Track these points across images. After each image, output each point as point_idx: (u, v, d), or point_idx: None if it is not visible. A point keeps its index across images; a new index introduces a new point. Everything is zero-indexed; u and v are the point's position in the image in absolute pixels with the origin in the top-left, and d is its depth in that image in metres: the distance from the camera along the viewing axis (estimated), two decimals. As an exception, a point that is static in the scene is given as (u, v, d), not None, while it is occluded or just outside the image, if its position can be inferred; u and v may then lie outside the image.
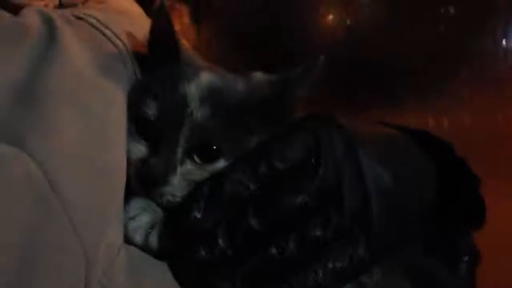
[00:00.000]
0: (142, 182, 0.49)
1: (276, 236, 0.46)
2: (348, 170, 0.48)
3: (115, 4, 0.62)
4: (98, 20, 0.52)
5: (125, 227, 0.47)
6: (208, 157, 0.50)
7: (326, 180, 0.47)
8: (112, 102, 0.47)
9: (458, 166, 0.55)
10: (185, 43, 0.57)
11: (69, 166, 0.40)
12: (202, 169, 0.50)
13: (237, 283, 0.46)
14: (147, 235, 0.48)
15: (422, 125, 0.71)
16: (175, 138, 0.50)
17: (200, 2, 0.89)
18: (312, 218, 0.46)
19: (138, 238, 0.48)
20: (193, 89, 0.51)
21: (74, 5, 0.56)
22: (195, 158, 0.51)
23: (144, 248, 0.48)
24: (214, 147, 0.50)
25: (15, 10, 0.49)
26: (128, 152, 0.49)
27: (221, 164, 0.50)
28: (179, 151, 0.50)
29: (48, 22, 0.47)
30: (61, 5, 0.55)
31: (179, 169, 0.50)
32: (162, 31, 0.54)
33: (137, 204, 0.49)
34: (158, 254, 0.48)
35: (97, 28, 0.52)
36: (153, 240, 0.48)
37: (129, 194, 0.48)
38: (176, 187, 0.50)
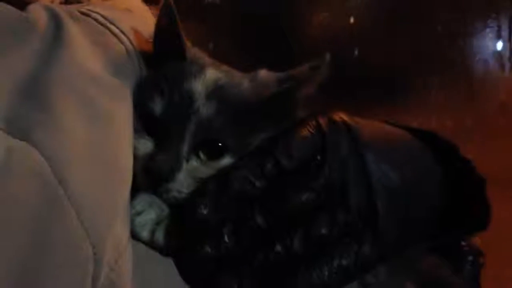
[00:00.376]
0: (148, 178, 0.49)
1: (282, 233, 0.46)
2: (354, 168, 0.48)
3: (120, 1, 0.62)
4: (104, 17, 0.52)
5: (131, 223, 0.47)
6: (214, 154, 0.50)
7: (332, 178, 0.47)
8: (119, 98, 0.47)
9: (463, 166, 0.55)
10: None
11: (77, 160, 0.39)
12: (208, 166, 0.50)
13: (243, 280, 0.46)
14: (153, 231, 0.48)
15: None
16: (181, 135, 0.50)
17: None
18: (317, 216, 0.47)
19: (144, 234, 0.48)
20: (199, 86, 0.51)
21: (79, 2, 0.56)
22: (201, 154, 0.51)
23: (150, 244, 0.48)
24: (220, 144, 0.50)
25: (21, 5, 0.49)
26: (134, 148, 0.49)
27: (227, 161, 0.50)
28: (185, 147, 0.50)
29: (55, 18, 0.47)
30: (66, 2, 0.55)
31: (185, 166, 0.50)
32: (167, 29, 0.54)
33: (143, 200, 0.49)
34: (164, 250, 0.48)
35: (103, 25, 0.51)
36: (159, 236, 0.48)
37: (135, 190, 0.47)
38: (182, 183, 0.49)
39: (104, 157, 0.43)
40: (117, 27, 0.52)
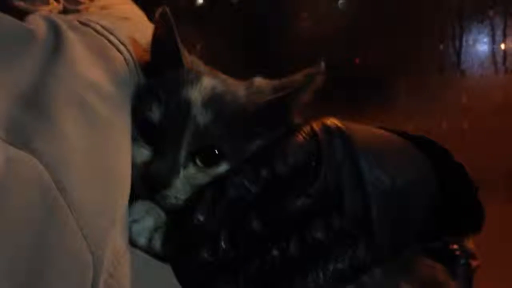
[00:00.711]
0: (145, 185, 0.50)
1: (278, 239, 0.47)
2: (348, 174, 0.49)
3: (118, 10, 0.62)
4: (102, 26, 0.53)
5: (129, 230, 0.48)
6: (211, 161, 0.51)
7: (327, 183, 0.48)
8: (117, 106, 0.48)
9: (455, 171, 0.56)
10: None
11: (76, 168, 0.40)
12: (205, 172, 0.51)
13: (239, 285, 0.47)
14: (150, 238, 0.49)
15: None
16: (178, 142, 0.51)
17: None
18: (313, 221, 0.47)
19: (142, 240, 0.48)
20: (196, 94, 0.52)
21: (77, 11, 0.57)
22: (198, 161, 0.51)
23: (148, 250, 0.49)
24: (217, 151, 0.51)
25: (20, 15, 0.49)
26: (132, 156, 0.50)
27: (223, 167, 0.51)
28: (182, 154, 0.51)
29: (54, 28, 0.47)
30: (64, 12, 0.56)
31: (182, 172, 0.51)
32: (164, 37, 0.54)
33: (140, 207, 0.50)
34: (161, 257, 0.49)
35: (101, 34, 0.52)
36: (157, 243, 0.49)
37: (133, 197, 0.48)
38: (180, 190, 0.50)
39: (103, 165, 0.44)
40: (115, 36, 0.53)
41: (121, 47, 0.53)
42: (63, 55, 0.46)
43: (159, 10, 0.54)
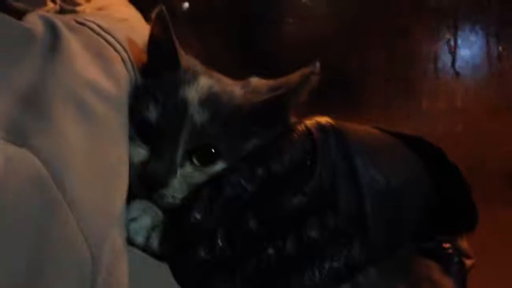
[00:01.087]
0: (143, 184, 0.50)
1: (274, 237, 0.48)
2: (343, 173, 0.49)
3: (115, 11, 0.63)
4: (99, 26, 0.53)
5: (127, 228, 0.48)
6: (208, 160, 0.52)
7: (322, 182, 0.48)
8: (115, 106, 0.48)
9: (450, 171, 0.56)
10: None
11: (75, 166, 0.40)
12: (202, 171, 0.51)
13: (236, 283, 0.47)
14: (148, 237, 0.49)
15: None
16: (175, 141, 0.51)
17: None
18: (308, 220, 0.48)
19: (140, 239, 0.49)
20: (192, 94, 0.53)
21: (74, 12, 0.57)
22: (195, 161, 0.52)
23: (146, 249, 0.49)
24: (213, 150, 0.52)
25: (17, 15, 0.50)
26: (130, 155, 0.50)
27: (220, 166, 0.52)
28: (179, 154, 0.51)
29: (52, 28, 0.48)
30: (62, 11, 0.56)
31: (179, 172, 0.51)
32: (161, 37, 0.55)
33: (138, 206, 0.50)
34: (159, 255, 0.49)
35: (98, 34, 0.52)
36: (154, 241, 0.49)
37: (130, 196, 0.48)
38: (176, 189, 0.51)
39: (101, 164, 0.44)
40: (112, 36, 0.54)
41: (118, 47, 0.53)
42: (61, 54, 0.46)
43: (156, 10, 0.54)
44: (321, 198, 0.48)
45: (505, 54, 1.45)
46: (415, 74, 1.49)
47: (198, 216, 0.47)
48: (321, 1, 1.54)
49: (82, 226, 0.39)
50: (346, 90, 1.44)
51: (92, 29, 0.52)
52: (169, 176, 0.50)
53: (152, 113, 0.52)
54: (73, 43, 0.48)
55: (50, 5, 0.57)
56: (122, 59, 0.53)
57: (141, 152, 0.52)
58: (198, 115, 0.52)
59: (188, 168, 0.52)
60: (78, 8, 0.60)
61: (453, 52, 1.46)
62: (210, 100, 0.53)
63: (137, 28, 0.61)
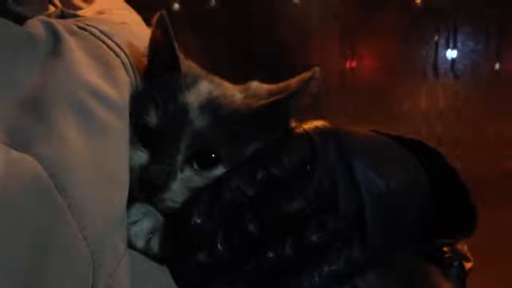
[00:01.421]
0: (143, 188, 0.50)
1: (274, 241, 0.48)
2: (342, 176, 0.49)
3: (115, 15, 0.63)
4: (100, 31, 0.53)
5: (128, 232, 0.48)
6: (207, 164, 0.52)
7: (321, 186, 0.49)
8: (116, 110, 0.48)
9: (449, 174, 0.57)
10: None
11: (76, 171, 0.41)
12: (202, 175, 0.52)
13: (236, 286, 0.47)
14: (148, 240, 0.49)
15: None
16: (175, 146, 0.51)
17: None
18: (308, 223, 0.48)
19: (140, 242, 0.49)
20: (192, 98, 0.53)
21: (75, 16, 0.58)
22: (195, 165, 0.52)
23: (146, 252, 0.49)
24: (213, 155, 0.52)
25: (19, 20, 0.50)
26: (130, 159, 0.50)
27: (220, 171, 0.52)
28: (179, 158, 0.51)
29: (53, 33, 0.48)
30: (63, 16, 0.56)
31: (179, 176, 0.51)
32: (161, 42, 0.55)
33: (138, 209, 0.50)
34: (159, 258, 0.50)
35: (99, 38, 0.53)
36: (154, 245, 0.49)
37: (131, 200, 0.49)
38: (176, 193, 0.51)
39: (102, 168, 0.44)
40: (113, 41, 0.54)
41: (119, 51, 0.53)
42: (62, 58, 0.46)
43: (157, 14, 0.55)
44: (320, 202, 0.48)
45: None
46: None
47: (198, 220, 0.48)
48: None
49: (83, 229, 0.40)
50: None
51: (93, 34, 0.53)
52: (169, 180, 0.51)
53: (153, 118, 0.52)
54: (74, 48, 0.48)
55: (51, 9, 0.57)
56: (123, 64, 0.53)
57: (142, 156, 0.52)
58: (198, 120, 0.52)
59: (188, 172, 0.52)
60: (79, 12, 0.61)
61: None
62: (210, 105, 0.53)
63: (137, 32, 0.61)
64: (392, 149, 0.56)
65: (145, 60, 0.57)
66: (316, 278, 0.48)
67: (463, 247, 0.60)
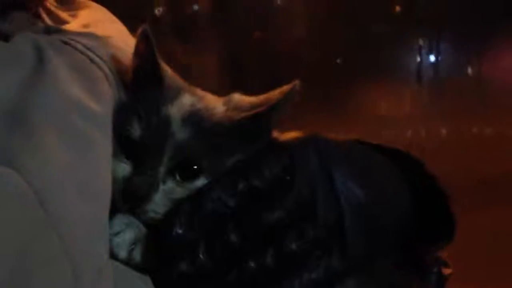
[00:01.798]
0: (125, 199, 0.51)
1: (255, 250, 0.49)
2: (322, 186, 0.50)
3: (100, 28, 0.64)
4: (83, 45, 0.54)
5: (110, 242, 0.49)
6: (190, 175, 0.53)
7: (301, 196, 0.49)
8: (98, 123, 0.49)
9: (428, 182, 0.58)
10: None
11: (57, 184, 0.42)
12: (184, 187, 0.53)
13: None
14: (130, 251, 0.50)
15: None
16: (157, 158, 0.52)
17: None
18: (288, 233, 0.49)
19: (122, 253, 0.50)
20: (175, 111, 0.54)
21: (60, 31, 0.58)
22: (177, 176, 0.53)
23: (128, 262, 0.50)
24: (195, 166, 0.53)
25: (5, 36, 0.51)
26: (113, 170, 0.51)
27: (202, 182, 0.53)
28: (162, 170, 0.52)
29: (37, 48, 0.49)
30: (48, 32, 0.57)
31: (162, 187, 0.52)
32: (144, 55, 0.56)
33: (120, 220, 0.51)
34: (142, 269, 0.50)
35: (83, 53, 0.54)
36: (137, 255, 0.50)
37: (113, 211, 0.50)
38: (159, 204, 0.52)
39: (84, 181, 0.45)
40: (97, 55, 0.55)
41: (102, 65, 0.54)
42: (46, 74, 0.47)
43: (140, 28, 0.56)
44: (300, 211, 0.49)
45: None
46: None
47: (180, 230, 0.48)
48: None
49: (64, 240, 0.40)
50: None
51: (76, 48, 0.54)
52: (152, 192, 0.51)
53: (136, 130, 0.53)
54: (58, 63, 0.49)
55: (37, 25, 0.58)
56: (106, 77, 0.54)
57: (124, 168, 0.53)
58: (180, 132, 0.53)
59: (170, 184, 0.53)
60: (65, 26, 0.62)
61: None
62: (193, 117, 0.54)
63: (122, 45, 0.62)
64: (372, 158, 0.57)
65: (129, 73, 0.58)
66: (296, 286, 0.49)
67: (442, 253, 0.61)
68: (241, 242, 0.48)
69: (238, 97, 0.58)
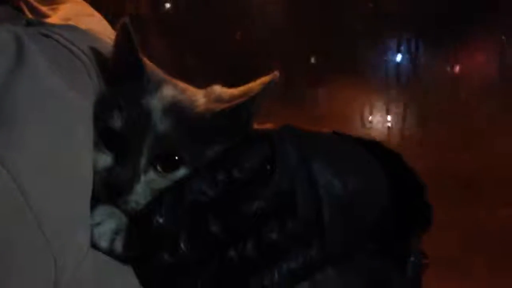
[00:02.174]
0: (107, 190, 0.52)
1: (235, 240, 0.49)
2: (301, 177, 0.51)
3: (81, 21, 0.64)
4: (64, 38, 0.54)
5: (91, 232, 0.49)
6: (171, 166, 0.53)
7: (281, 187, 0.50)
8: (79, 114, 0.50)
9: (405, 174, 0.59)
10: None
11: (38, 173, 0.42)
12: (165, 177, 0.53)
13: (199, 285, 0.49)
14: (112, 241, 0.50)
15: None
16: (138, 149, 0.53)
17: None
18: (268, 223, 0.50)
19: (104, 243, 0.50)
20: (156, 102, 0.54)
21: (41, 24, 0.58)
22: (158, 167, 0.53)
23: (110, 253, 0.50)
24: (176, 157, 0.53)
25: None
26: (94, 162, 0.51)
27: (183, 173, 0.53)
28: (143, 161, 0.53)
29: (17, 40, 0.49)
30: (28, 24, 0.57)
31: (143, 178, 0.53)
32: (124, 47, 0.56)
33: (102, 211, 0.51)
34: (123, 259, 0.51)
35: (63, 45, 0.54)
36: (118, 245, 0.50)
37: (95, 201, 0.50)
38: (140, 195, 0.52)
39: (64, 170, 0.45)
40: (77, 47, 0.55)
41: (83, 57, 0.55)
42: (25, 65, 0.47)
43: (121, 20, 0.56)
44: (280, 202, 0.50)
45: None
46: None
47: (160, 220, 0.49)
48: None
49: (44, 229, 0.41)
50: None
51: (57, 41, 0.54)
52: (133, 183, 0.52)
53: (117, 121, 0.53)
54: (37, 55, 0.49)
55: (20, 17, 0.58)
56: (87, 69, 0.54)
57: (106, 159, 0.53)
58: (161, 124, 0.53)
59: (151, 175, 0.53)
60: (46, 20, 0.61)
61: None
62: (173, 109, 0.54)
63: (102, 38, 0.62)
64: (350, 150, 0.58)
65: (109, 65, 0.58)
66: (276, 276, 0.49)
67: (419, 243, 0.62)
68: (221, 232, 0.49)
69: (219, 89, 0.58)
